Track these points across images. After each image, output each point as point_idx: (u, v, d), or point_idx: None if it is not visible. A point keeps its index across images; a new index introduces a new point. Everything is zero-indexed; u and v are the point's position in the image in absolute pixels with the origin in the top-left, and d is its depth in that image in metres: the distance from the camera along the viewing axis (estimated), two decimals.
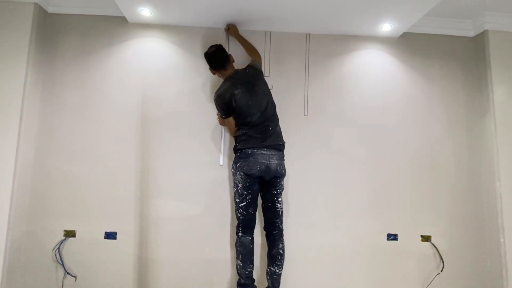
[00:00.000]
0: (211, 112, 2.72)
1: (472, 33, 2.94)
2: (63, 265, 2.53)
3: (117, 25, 2.76)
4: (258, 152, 2.30)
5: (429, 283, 2.68)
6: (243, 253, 2.32)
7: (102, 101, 2.70)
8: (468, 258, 2.73)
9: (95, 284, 2.55)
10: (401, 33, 2.83)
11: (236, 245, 2.37)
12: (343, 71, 2.85)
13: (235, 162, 2.39)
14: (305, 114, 2.78)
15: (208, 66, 2.53)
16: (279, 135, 2.43)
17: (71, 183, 2.61)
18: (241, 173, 2.31)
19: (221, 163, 2.66)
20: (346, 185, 2.74)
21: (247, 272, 2.32)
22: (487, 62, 2.80)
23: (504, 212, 2.62)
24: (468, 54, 2.93)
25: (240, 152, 2.35)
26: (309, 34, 2.86)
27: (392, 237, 2.72)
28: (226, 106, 2.38)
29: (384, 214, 2.74)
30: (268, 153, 2.32)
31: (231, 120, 2.44)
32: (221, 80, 2.55)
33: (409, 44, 2.90)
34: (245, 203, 2.32)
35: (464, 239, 2.75)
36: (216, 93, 2.43)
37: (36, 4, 2.59)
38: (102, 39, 2.75)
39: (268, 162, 2.31)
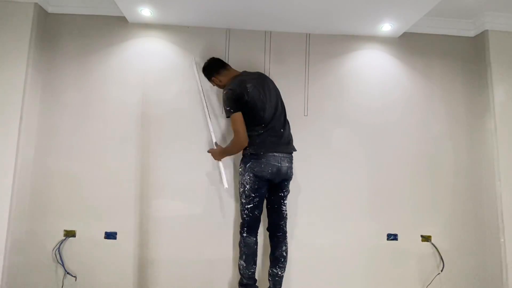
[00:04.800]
0: (211, 112, 2.72)
1: (472, 33, 2.94)
2: (63, 265, 2.53)
3: (117, 25, 2.76)
4: (270, 154, 2.25)
5: (429, 283, 2.68)
6: (247, 253, 2.30)
7: (102, 101, 2.70)
8: (468, 258, 2.73)
9: (95, 284, 2.55)
10: (401, 33, 2.83)
11: (240, 245, 2.34)
12: (343, 71, 2.85)
13: (244, 162, 2.31)
14: (305, 114, 2.78)
15: (210, 83, 2.58)
16: (291, 141, 2.41)
17: (71, 183, 2.61)
18: (251, 174, 2.25)
19: (225, 185, 2.54)
20: (346, 185, 2.74)
21: (250, 273, 2.30)
22: (487, 62, 2.80)
23: (504, 212, 2.62)
24: (468, 54, 2.93)
25: (251, 153, 2.28)
26: (309, 34, 2.86)
27: (392, 237, 2.72)
28: (237, 99, 2.23)
29: (384, 214, 2.74)
30: (280, 155, 2.28)
31: (239, 116, 2.24)
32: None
33: (409, 44, 2.90)
34: (252, 205, 2.28)
35: (464, 239, 2.75)
36: (225, 89, 2.31)
37: (36, 4, 2.58)
38: (102, 39, 2.75)
39: (279, 164, 2.26)
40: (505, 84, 2.77)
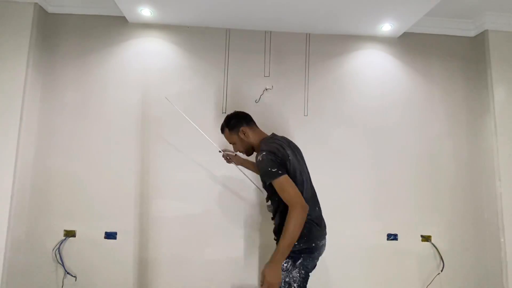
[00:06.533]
0: (211, 112, 2.72)
1: (472, 33, 2.94)
2: (63, 265, 2.53)
3: (117, 25, 2.76)
4: (320, 244, 1.87)
5: (429, 283, 2.68)
6: None
7: (102, 101, 2.70)
8: (468, 258, 2.73)
9: (95, 284, 2.55)
10: (401, 33, 2.83)
11: None
12: (343, 71, 2.85)
13: (292, 258, 1.78)
14: (305, 114, 2.79)
15: (233, 135, 2.06)
16: None
17: (71, 183, 2.61)
18: (302, 271, 1.80)
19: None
20: (346, 185, 2.74)
21: None
22: (487, 62, 2.80)
23: (504, 212, 2.62)
24: (468, 54, 2.93)
25: (302, 247, 1.81)
26: (309, 34, 2.86)
27: (392, 237, 2.73)
28: (282, 162, 1.79)
29: (384, 214, 2.74)
30: (324, 241, 1.92)
31: (287, 178, 1.75)
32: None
33: (409, 44, 2.90)
34: None
35: (464, 239, 2.75)
36: (264, 151, 1.82)
37: (36, 4, 2.59)
38: (102, 39, 2.75)
39: (323, 251, 1.94)
40: (505, 84, 2.77)
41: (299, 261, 1.81)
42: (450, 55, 2.91)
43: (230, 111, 2.72)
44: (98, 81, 2.72)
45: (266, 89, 2.76)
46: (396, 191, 2.76)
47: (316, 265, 1.91)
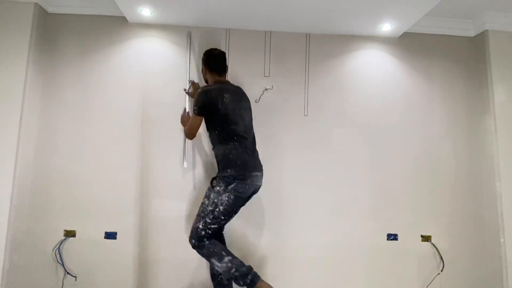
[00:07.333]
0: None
1: (472, 33, 2.94)
2: (63, 265, 2.53)
3: (117, 25, 2.76)
4: (254, 174, 2.21)
5: (429, 283, 2.68)
6: (223, 247, 2.16)
7: (102, 101, 2.70)
8: (468, 258, 2.73)
9: (95, 284, 2.55)
10: (401, 33, 2.83)
11: (208, 253, 2.14)
12: (343, 71, 2.85)
13: (226, 182, 2.14)
14: (305, 114, 2.79)
15: (202, 66, 2.47)
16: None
17: (71, 183, 2.61)
18: (232, 196, 2.13)
19: (185, 165, 2.63)
20: (346, 185, 2.74)
21: (239, 262, 2.12)
22: (487, 62, 2.80)
23: (504, 212, 2.62)
24: (468, 54, 2.93)
25: (234, 175, 2.15)
26: (309, 34, 2.86)
27: (392, 237, 2.73)
28: (208, 104, 2.21)
29: (384, 214, 2.74)
30: (259, 174, 2.28)
31: (198, 120, 2.28)
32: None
33: (409, 44, 2.90)
34: (216, 226, 2.16)
35: (464, 239, 2.75)
36: (203, 88, 2.31)
37: (36, 4, 2.59)
38: (102, 39, 2.75)
39: (259, 184, 2.29)
40: (505, 84, 2.77)
41: (232, 185, 2.12)
42: (450, 55, 2.91)
43: None
44: (98, 81, 2.71)
45: (266, 89, 2.76)
46: (396, 191, 2.76)
47: (251, 194, 2.24)
